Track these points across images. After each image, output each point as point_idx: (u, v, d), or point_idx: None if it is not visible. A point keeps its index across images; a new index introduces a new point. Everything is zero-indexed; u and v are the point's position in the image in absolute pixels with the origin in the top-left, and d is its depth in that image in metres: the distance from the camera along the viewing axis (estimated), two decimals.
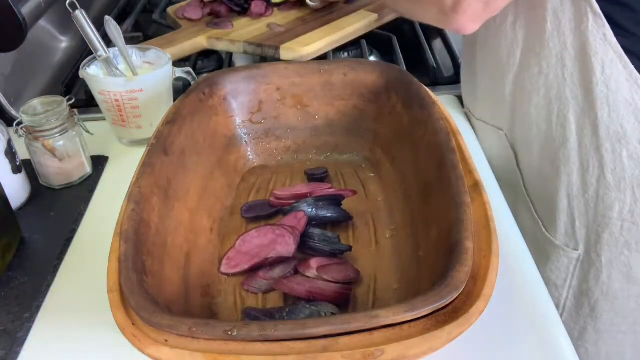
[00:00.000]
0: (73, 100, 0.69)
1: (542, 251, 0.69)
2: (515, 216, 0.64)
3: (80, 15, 0.70)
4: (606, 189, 0.61)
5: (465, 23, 0.56)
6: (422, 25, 1.06)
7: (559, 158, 0.64)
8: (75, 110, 0.70)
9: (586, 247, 0.66)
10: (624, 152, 0.59)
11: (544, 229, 0.69)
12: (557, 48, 0.59)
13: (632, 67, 0.56)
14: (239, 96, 0.64)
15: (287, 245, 0.52)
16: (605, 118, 0.58)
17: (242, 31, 0.95)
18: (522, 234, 0.61)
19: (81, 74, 0.73)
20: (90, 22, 0.71)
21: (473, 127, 0.79)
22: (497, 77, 0.69)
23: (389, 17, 1.00)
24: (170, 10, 1.06)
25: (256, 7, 1.00)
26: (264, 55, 0.91)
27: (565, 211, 0.66)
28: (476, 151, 0.74)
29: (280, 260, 0.52)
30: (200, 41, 0.94)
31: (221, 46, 0.94)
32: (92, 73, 0.74)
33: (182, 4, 1.08)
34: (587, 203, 0.64)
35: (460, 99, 0.85)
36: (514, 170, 0.72)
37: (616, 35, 0.55)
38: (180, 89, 0.83)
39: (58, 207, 0.68)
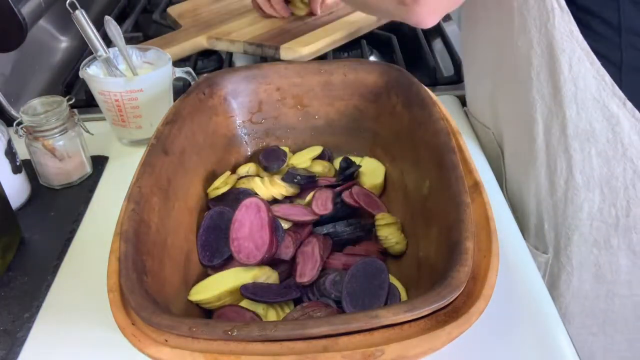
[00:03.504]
0: (73, 100, 0.69)
1: None
2: None
3: (80, 15, 0.70)
4: (575, 190, 0.61)
5: (426, 15, 0.54)
6: None
7: (527, 160, 0.64)
8: (75, 110, 0.70)
9: (555, 250, 0.66)
10: (592, 151, 0.58)
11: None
12: (524, 46, 0.59)
13: (598, 63, 0.55)
14: (239, 96, 0.64)
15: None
16: (574, 117, 0.58)
17: (242, 31, 0.95)
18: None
19: (81, 74, 0.73)
20: (90, 22, 0.71)
21: (472, 127, 0.79)
22: (481, 77, 0.69)
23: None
24: (171, 10, 1.06)
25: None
26: (264, 55, 0.91)
27: (534, 213, 0.66)
28: (476, 151, 0.74)
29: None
30: (200, 41, 0.94)
31: (221, 46, 0.94)
32: (92, 73, 0.74)
33: (182, 4, 1.08)
34: (556, 205, 0.63)
35: (460, 98, 0.85)
36: (501, 171, 0.72)
37: (582, 34, 0.55)
38: (180, 89, 0.83)
39: (58, 207, 0.68)
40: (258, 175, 0.61)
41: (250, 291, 0.48)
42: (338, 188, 0.59)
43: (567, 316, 0.68)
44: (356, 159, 0.64)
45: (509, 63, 0.62)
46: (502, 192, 0.68)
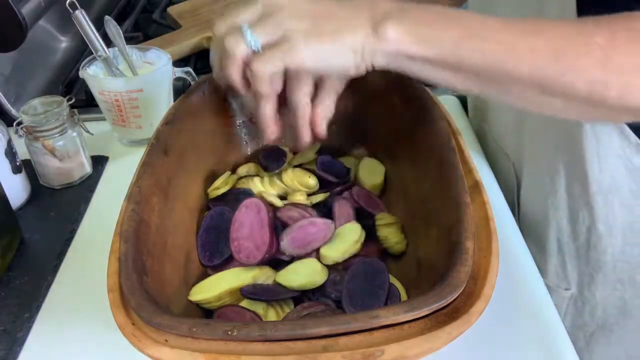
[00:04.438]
0: (73, 100, 0.69)
1: None
2: None
3: (80, 16, 0.70)
4: (598, 238, 0.59)
5: None
6: None
7: (548, 206, 0.62)
8: (75, 110, 0.70)
9: (579, 287, 0.65)
10: (615, 202, 0.56)
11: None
12: None
13: (623, 124, 0.52)
14: (239, 96, 0.63)
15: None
16: (596, 174, 0.56)
17: None
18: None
19: (81, 74, 0.73)
20: (90, 22, 0.71)
21: (486, 145, 0.76)
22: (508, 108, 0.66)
23: None
24: (171, 10, 1.06)
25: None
26: None
27: (555, 255, 0.65)
28: (476, 151, 0.74)
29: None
30: (199, 41, 0.94)
31: None
32: (92, 73, 0.74)
33: (182, 4, 1.08)
34: (578, 249, 0.62)
35: (460, 98, 0.85)
36: (513, 202, 0.70)
37: None
38: (180, 89, 0.83)
39: (58, 207, 0.68)
40: (258, 175, 0.61)
41: (250, 291, 0.48)
42: (338, 188, 0.59)
43: (590, 344, 0.67)
44: (356, 159, 0.64)
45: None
46: (515, 220, 0.67)
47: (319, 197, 0.58)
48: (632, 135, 0.53)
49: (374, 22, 0.41)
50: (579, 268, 0.64)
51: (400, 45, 0.41)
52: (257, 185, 0.58)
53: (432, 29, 0.41)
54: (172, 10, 1.06)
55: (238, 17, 0.43)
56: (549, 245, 0.64)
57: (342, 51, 0.41)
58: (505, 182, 0.71)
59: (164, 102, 0.74)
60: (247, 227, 0.51)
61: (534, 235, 0.67)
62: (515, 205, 0.70)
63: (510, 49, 0.39)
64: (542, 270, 0.65)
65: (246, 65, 0.43)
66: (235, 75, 0.44)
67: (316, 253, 0.51)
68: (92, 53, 0.73)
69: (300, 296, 0.49)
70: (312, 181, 0.59)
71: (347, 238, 0.52)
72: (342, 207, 0.55)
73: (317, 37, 0.41)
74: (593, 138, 0.54)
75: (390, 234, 0.53)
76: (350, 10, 0.42)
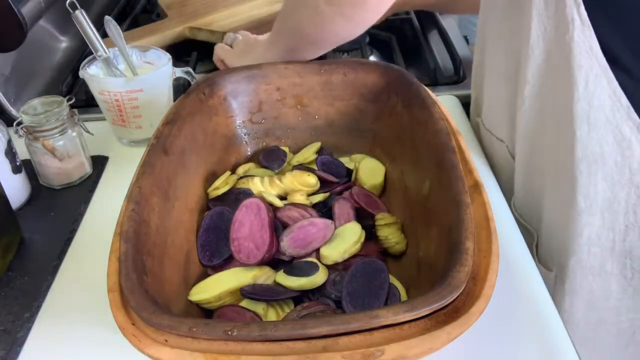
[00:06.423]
0: (73, 100, 0.69)
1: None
2: None
3: (80, 16, 0.70)
4: (576, 214, 0.58)
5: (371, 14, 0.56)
6: (422, 25, 1.07)
7: (540, 176, 0.62)
8: (75, 110, 0.70)
9: (557, 271, 0.64)
10: (599, 174, 0.56)
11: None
12: (540, 57, 0.56)
13: (616, 83, 0.52)
14: (239, 96, 0.64)
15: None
16: (584, 137, 0.55)
17: (224, 22, 0.96)
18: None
19: (81, 74, 0.73)
20: (90, 22, 0.71)
21: (481, 140, 0.76)
22: (498, 87, 0.67)
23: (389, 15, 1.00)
24: (161, 1, 1.07)
25: None
26: None
27: (542, 231, 0.64)
28: (476, 151, 0.74)
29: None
30: (182, 31, 0.95)
31: (202, 36, 0.96)
32: (92, 73, 0.74)
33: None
34: (558, 227, 0.61)
35: (459, 98, 0.85)
36: (510, 186, 0.70)
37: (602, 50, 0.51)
38: (180, 89, 0.83)
39: (58, 207, 0.68)
40: (257, 175, 0.61)
41: (250, 291, 0.48)
42: (338, 188, 0.59)
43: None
44: (356, 159, 0.64)
45: (525, 74, 0.59)
46: (510, 207, 0.67)
47: (319, 197, 0.58)
48: (624, 97, 0.53)
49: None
50: (558, 250, 0.62)
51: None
52: (257, 185, 0.58)
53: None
54: (162, 1, 1.07)
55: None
56: (541, 220, 0.64)
57: None
58: (505, 184, 0.71)
59: (164, 102, 0.74)
60: (247, 227, 0.51)
61: (527, 214, 0.67)
62: (511, 190, 0.70)
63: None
64: (533, 250, 0.65)
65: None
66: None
67: (316, 253, 0.51)
68: (92, 53, 0.73)
69: (300, 296, 0.49)
70: (313, 180, 0.59)
71: (347, 238, 0.52)
72: (342, 207, 0.56)
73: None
74: (585, 101, 0.53)
75: (390, 234, 0.54)
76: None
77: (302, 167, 0.61)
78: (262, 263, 0.50)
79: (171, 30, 0.95)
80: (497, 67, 0.67)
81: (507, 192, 0.69)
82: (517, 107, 0.63)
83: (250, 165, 0.62)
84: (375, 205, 0.58)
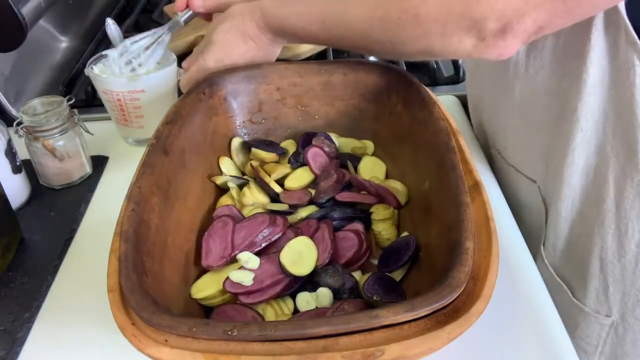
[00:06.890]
0: (73, 100, 0.69)
1: (568, 316, 0.60)
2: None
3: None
4: None
5: (511, 49, 0.46)
6: None
7: (593, 220, 0.59)
8: (75, 110, 0.70)
9: (621, 312, 0.61)
10: None
11: (570, 294, 0.64)
12: (597, 101, 0.54)
13: None
14: (239, 96, 0.63)
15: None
16: None
17: None
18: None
19: (87, 71, 0.73)
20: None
21: (497, 170, 0.73)
22: (534, 127, 0.63)
23: None
24: (167, 9, 1.06)
25: None
26: None
27: (597, 276, 0.61)
28: (476, 151, 0.74)
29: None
30: (195, 39, 0.95)
31: None
32: (98, 72, 0.74)
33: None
34: (624, 268, 0.59)
35: (460, 98, 0.85)
36: (541, 226, 0.66)
37: None
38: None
39: (58, 207, 0.68)
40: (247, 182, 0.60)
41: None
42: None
43: None
44: (356, 158, 0.64)
45: (574, 117, 0.56)
46: (541, 251, 0.65)
47: (307, 211, 0.57)
48: None
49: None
50: (624, 290, 0.60)
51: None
52: (247, 196, 0.58)
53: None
54: (169, 8, 1.06)
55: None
56: (591, 265, 0.61)
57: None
58: (529, 210, 0.68)
59: (167, 103, 0.74)
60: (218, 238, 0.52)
61: (570, 258, 0.64)
62: (542, 230, 0.66)
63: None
64: (582, 295, 0.62)
65: None
66: None
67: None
68: (94, 53, 0.73)
69: (299, 287, 0.49)
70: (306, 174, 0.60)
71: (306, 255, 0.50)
72: (314, 156, 0.60)
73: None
74: None
75: (383, 230, 0.54)
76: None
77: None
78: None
79: (182, 39, 0.94)
80: (534, 106, 0.62)
81: (532, 233, 0.67)
82: (559, 149, 0.59)
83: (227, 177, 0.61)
84: (374, 193, 0.57)
